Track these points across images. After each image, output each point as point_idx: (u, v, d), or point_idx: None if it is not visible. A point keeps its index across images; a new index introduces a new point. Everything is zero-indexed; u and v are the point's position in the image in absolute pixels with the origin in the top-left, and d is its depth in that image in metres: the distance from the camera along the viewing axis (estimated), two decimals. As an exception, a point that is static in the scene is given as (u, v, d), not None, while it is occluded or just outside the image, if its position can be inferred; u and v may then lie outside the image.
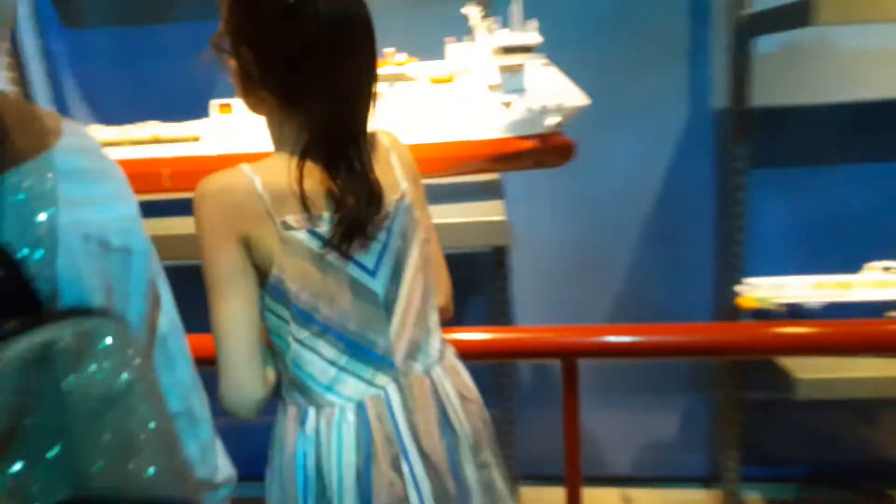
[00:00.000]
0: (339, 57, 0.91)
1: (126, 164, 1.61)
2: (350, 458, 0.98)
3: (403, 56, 1.66)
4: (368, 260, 0.99)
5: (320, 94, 0.92)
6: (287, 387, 1.03)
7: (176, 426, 0.59)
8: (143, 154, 1.61)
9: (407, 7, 2.31)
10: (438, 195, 1.73)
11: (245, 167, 0.93)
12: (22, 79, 2.30)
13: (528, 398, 2.44)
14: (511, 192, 2.37)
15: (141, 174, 1.61)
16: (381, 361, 1.01)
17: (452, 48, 1.63)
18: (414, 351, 1.04)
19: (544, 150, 1.66)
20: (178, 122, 1.75)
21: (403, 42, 1.69)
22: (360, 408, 1.00)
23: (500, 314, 2.41)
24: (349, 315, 0.99)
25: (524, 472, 2.41)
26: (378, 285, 1.00)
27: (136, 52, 2.29)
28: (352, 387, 1.00)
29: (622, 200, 2.26)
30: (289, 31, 0.89)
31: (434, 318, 1.10)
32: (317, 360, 0.99)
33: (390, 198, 1.01)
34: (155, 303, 0.61)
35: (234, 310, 0.93)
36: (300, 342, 0.98)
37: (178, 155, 1.61)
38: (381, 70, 1.60)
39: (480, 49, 1.60)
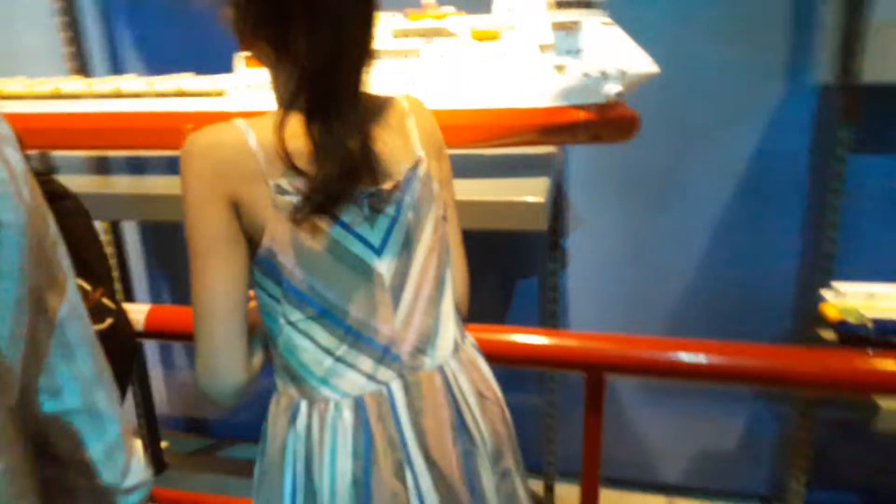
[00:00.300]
0: (326, 5, 0.79)
1: (148, 118, 1.52)
2: (346, 464, 0.85)
3: (450, 8, 1.47)
4: (374, 236, 0.86)
5: (306, 44, 0.80)
6: (279, 372, 0.90)
7: (74, 424, 0.57)
8: (166, 107, 1.51)
9: None
10: (476, 167, 1.55)
11: (239, 121, 0.82)
12: (75, 25, 2.25)
13: (573, 388, 2.26)
14: (574, 167, 2.18)
15: (162, 129, 1.51)
16: (385, 353, 0.88)
17: (500, 0, 1.43)
18: (423, 343, 0.90)
19: (602, 123, 1.45)
20: (211, 76, 1.64)
21: None
22: (359, 405, 0.87)
23: (549, 302, 2.24)
24: (349, 297, 0.86)
25: (563, 470, 2.25)
26: (383, 266, 0.87)
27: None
28: (350, 381, 0.87)
29: (700, 182, 2.02)
30: None
31: (448, 306, 0.95)
32: (311, 346, 0.87)
33: (400, 166, 0.88)
34: (50, 283, 0.54)
35: (217, 281, 0.82)
36: (293, 325, 0.86)
37: (201, 110, 1.50)
38: (417, 24, 1.43)
39: (532, 2, 1.39)
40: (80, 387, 0.58)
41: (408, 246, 0.90)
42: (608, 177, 2.17)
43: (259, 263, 0.84)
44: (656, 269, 2.19)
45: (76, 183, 1.66)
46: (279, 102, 0.87)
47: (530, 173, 1.53)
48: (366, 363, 0.87)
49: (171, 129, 1.50)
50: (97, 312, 0.86)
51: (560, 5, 1.35)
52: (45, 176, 0.86)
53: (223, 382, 0.85)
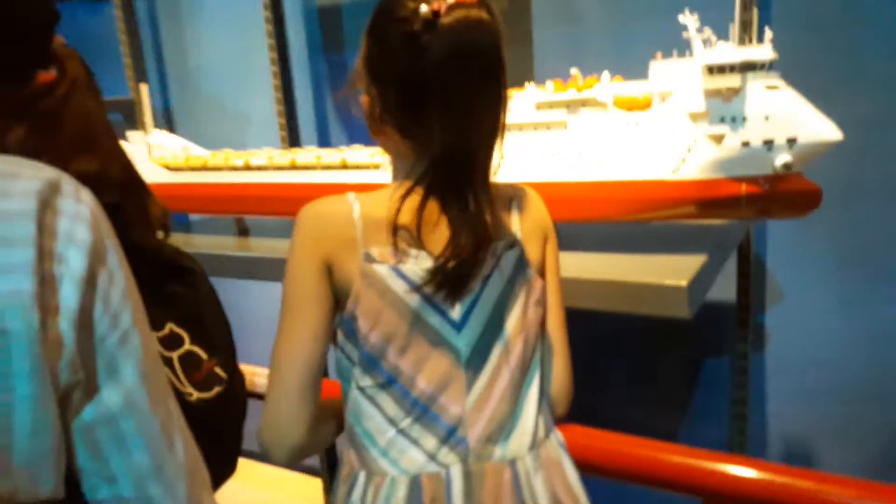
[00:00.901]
0: (456, 89, 0.82)
1: (314, 189, 1.66)
2: None
3: (606, 76, 1.42)
4: (455, 310, 0.86)
5: (436, 125, 0.84)
6: (346, 441, 0.92)
7: None
8: (330, 179, 1.63)
9: (615, 23, 2.02)
10: (630, 240, 1.45)
11: (350, 194, 0.88)
12: (287, 96, 2.55)
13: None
14: (775, 240, 1.95)
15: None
16: (450, 434, 0.85)
17: (658, 66, 1.34)
18: (496, 431, 0.87)
19: (770, 197, 1.28)
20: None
21: (612, 62, 1.45)
22: (415, 484, 0.85)
23: (737, 388, 2.00)
24: (420, 369, 0.85)
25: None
26: (462, 342, 0.86)
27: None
28: (410, 457, 0.85)
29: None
30: (409, 58, 0.83)
31: (534, 396, 0.91)
32: (377, 415, 0.87)
33: (493, 245, 0.88)
34: (92, 378, 0.57)
35: (298, 336, 0.86)
36: (362, 391, 0.88)
37: (358, 182, 1.60)
38: (561, 95, 1.39)
39: (690, 67, 1.28)
40: (133, 479, 0.59)
41: (492, 326, 0.88)
42: (816, 246, 1.91)
43: (342, 325, 0.87)
44: (873, 359, 1.87)
45: (268, 246, 1.87)
46: (394, 179, 0.93)
47: (691, 249, 1.39)
48: (429, 441, 0.85)
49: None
50: (207, 381, 0.93)
51: (713, 70, 1.23)
52: (175, 253, 0.97)
53: (282, 438, 0.86)
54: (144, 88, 1.98)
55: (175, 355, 0.92)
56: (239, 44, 2.74)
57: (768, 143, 1.23)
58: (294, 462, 0.88)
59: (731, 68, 1.22)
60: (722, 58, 1.23)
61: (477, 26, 0.81)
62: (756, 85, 1.22)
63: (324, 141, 2.70)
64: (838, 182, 1.77)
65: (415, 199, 0.85)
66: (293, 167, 1.66)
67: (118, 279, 0.59)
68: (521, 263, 0.91)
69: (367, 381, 0.87)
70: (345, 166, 1.63)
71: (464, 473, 0.85)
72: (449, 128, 0.83)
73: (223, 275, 1.74)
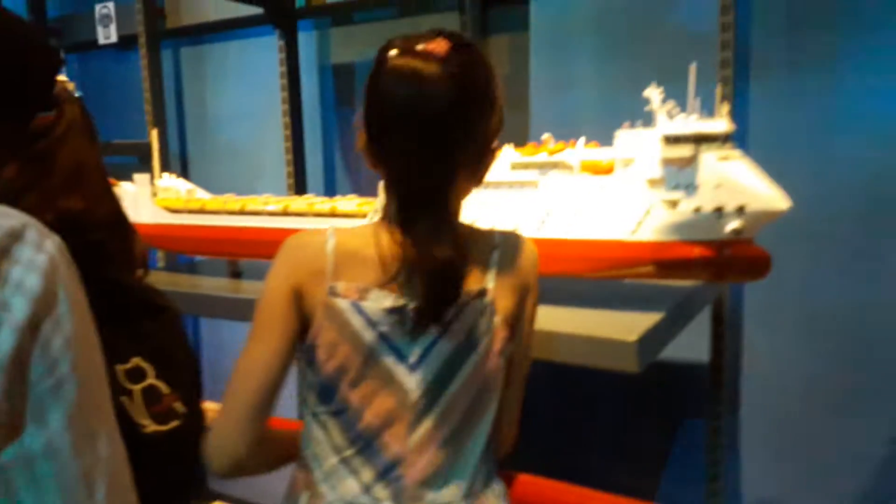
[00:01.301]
0: (398, 133, 0.87)
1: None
2: None
3: (582, 140, 1.52)
4: (411, 351, 0.89)
5: (396, 162, 0.90)
6: (297, 461, 0.97)
7: None
8: (322, 226, 1.73)
9: (605, 91, 2.14)
10: (595, 298, 1.52)
11: (329, 228, 0.94)
12: (297, 147, 2.69)
13: None
14: (753, 296, 2.01)
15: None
16: (389, 471, 0.89)
17: (623, 135, 1.43)
18: (433, 476, 0.90)
19: (722, 261, 1.35)
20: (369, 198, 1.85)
21: (601, 127, 1.53)
22: None
23: (710, 450, 2.03)
24: (370, 405, 0.90)
25: None
26: (413, 382, 0.89)
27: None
28: (348, 486, 0.90)
29: None
30: (368, 96, 0.89)
31: (478, 446, 0.94)
32: (324, 441, 0.92)
33: (460, 291, 0.91)
34: (12, 420, 0.56)
35: (259, 356, 0.91)
36: (315, 416, 0.93)
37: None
38: (534, 158, 1.49)
39: (651, 137, 1.38)
40: None
41: (446, 372, 0.90)
42: (788, 310, 1.97)
43: (304, 350, 0.92)
44: (848, 424, 1.90)
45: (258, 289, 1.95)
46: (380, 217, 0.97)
47: (653, 307, 1.45)
48: (367, 474, 0.89)
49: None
50: (166, 415, 0.98)
51: (669, 141, 1.32)
52: (150, 292, 1.04)
53: (224, 448, 0.90)
54: (155, 133, 2.12)
55: (137, 388, 0.96)
56: (256, 96, 2.90)
57: (718, 210, 1.30)
58: (233, 475, 0.92)
59: (686, 139, 1.31)
60: (677, 129, 1.32)
61: (411, 77, 0.84)
62: (709, 156, 1.31)
63: (330, 191, 2.83)
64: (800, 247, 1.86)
65: (386, 236, 0.90)
66: (286, 213, 1.77)
67: (65, 327, 0.59)
68: (488, 313, 0.92)
69: (320, 408, 0.92)
70: (334, 214, 1.73)
71: None
72: (397, 169, 0.89)
73: (216, 315, 1.83)
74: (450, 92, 0.85)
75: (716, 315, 1.95)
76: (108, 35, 2.98)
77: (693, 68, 1.31)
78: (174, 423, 0.97)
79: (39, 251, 0.58)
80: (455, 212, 0.94)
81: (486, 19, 2.34)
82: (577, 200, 1.44)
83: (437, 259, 0.86)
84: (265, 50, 2.75)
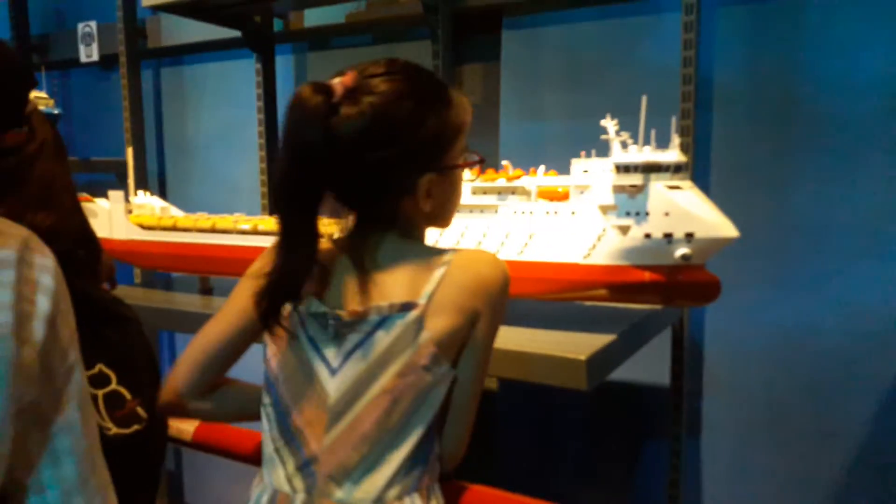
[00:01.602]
0: (285, 154, 0.94)
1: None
2: None
3: (542, 168, 1.57)
4: (335, 356, 0.96)
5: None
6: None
7: None
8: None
9: (571, 120, 2.21)
10: (551, 319, 1.57)
11: (324, 238, 1.01)
12: (272, 169, 2.72)
13: None
14: (714, 320, 2.06)
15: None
16: (305, 465, 0.97)
17: (578, 163, 1.49)
18: (341, 475, 0.94)
19: (672, 286, 1.40)
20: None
21: (567, 155, 1.58)
22: (275, 498, 0.98)
23: (672, 471, 2.07)
24: (296, 403, 0.98)
25: None
26: (332, 386, 0.95)
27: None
28: (277, 475, 0.98)
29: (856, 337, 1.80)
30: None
31: (398, 458, 0.94)
32: (267, 430, 1.01)
33: (381, 303, 0.94)
34: (52, 403, 0.66)
35: (215, 322, 1.04)
36: (264, 406, 1.02)
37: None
38: (492, 184, 1.54)
39: (605, 165, 1.44)
40: (60, 490, 0.66)
41: (364, 379, 0.94)
42: (749, 332, 2.03)
43: (264, 349, 1.03)
44: (814, 438, 1.95)
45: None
46: None
47: (608, 329, 1.50)
48: (290, 466, 0.97)
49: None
50: (127, 419, 1.03)
51: (620, 169, 1.37)
52: (115, 303, 1.09)
53: (170, 384, 1.03)
54: (130, 151, 2.16)
55: (101, 393, 1.02)
56: (233, 117, 2.95)
57: (668, 236, 1.36)
58: (174, 412, 1.06)
59: (636, 168, 1.37)
60: (628, 158, 1.38)
61: (295, 106, 0.91)
62: (658, 184, 1.36)
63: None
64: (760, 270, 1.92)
65: (333, 249, 0.99)
66: (255, 232, 1.81)
67: (69, 321, 0.69)
68: (414, 328, 0.93)
69: (266, 399, 1.02)
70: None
71: (304, 503, 0.95)
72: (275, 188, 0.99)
73: (187, 330, 1.85)
74: (334, 123, 0.90)
75: (675, 338, 2.01)
76: (90, 53, 3.02)
77: (644, 100, 1.38)
78: (136, 427, 1.03)
79: (45, 255, 0.68)
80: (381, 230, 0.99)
81: (460, 48, 2.41)
82: (534, 225, 1.49)
83: (363, 283, 0.96)
84: (243, 72, 2.81)
